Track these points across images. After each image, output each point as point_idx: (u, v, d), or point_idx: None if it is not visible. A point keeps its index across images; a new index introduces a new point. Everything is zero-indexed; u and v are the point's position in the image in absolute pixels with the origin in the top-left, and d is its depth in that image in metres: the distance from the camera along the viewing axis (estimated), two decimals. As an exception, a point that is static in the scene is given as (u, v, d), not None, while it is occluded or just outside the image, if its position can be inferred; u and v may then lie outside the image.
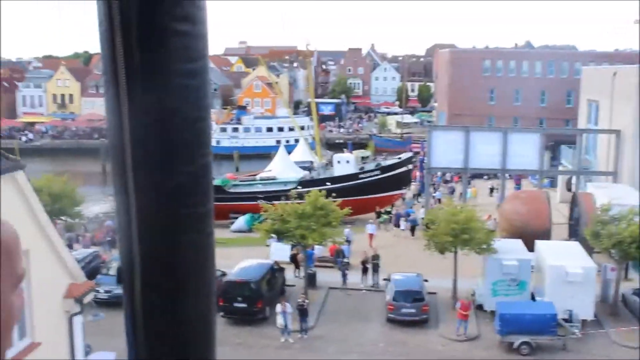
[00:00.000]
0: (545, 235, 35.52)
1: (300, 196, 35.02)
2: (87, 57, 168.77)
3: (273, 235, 32.51)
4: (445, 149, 46.59)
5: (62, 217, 39.15)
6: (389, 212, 48.76)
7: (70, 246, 40.70)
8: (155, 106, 1.29)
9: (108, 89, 1.31)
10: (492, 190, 60.54)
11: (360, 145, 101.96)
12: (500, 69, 78.39)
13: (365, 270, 34.71)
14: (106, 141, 1.42)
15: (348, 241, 40.85)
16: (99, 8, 1.30)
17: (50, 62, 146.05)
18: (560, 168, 55.33)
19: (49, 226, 16.25)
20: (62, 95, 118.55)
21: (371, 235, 41.08)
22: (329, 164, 68.34)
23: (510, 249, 30.91)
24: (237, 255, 39.16)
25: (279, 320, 28.12)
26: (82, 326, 17.72)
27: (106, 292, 31.71)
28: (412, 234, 45.50)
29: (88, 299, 17.60)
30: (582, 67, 60.32)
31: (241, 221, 50.35)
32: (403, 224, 46.98)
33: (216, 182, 55.95)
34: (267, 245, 39.74)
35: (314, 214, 30.76)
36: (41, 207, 15.92)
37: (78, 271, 17.35)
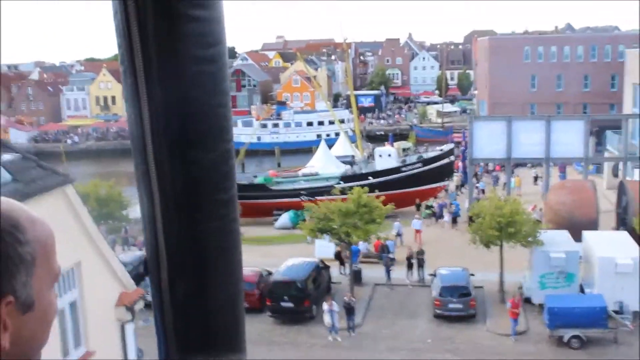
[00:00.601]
0: (593, 225, 35.00)
1: (343, 192, 35.19)
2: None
3: (317, 234, 32.52)
4: (488, 140, 46.12)
5: (109, 221, 39.80)
6: (431, 207, 48.41)
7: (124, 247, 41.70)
8: (174, 94, 1.30)
9: (126, 79, 1.32)
10: (536, 178, 59.82)
11: (401, 136, 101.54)
12: (540, 55, 77.20)
13: (410, 266, 34.69)
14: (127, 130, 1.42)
15: (399, 234, 41.10)
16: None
17: (92, 64, 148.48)
18: (605, 154, 54.39)
19: (99, 237, 16.58)
20: (105, 97, 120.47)
21: (418, 231, 40.88)
22: (371, 157, 68.28)
23: (557, 241, 30.51)
24: (282, 254, 39.43)
25: (326, 318, 28.25)
26: (134, 333, 18.06)
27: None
28: (453, 225, 45.46)
29: (139, 306, 17.92)
30: (625, 50, 59.07)
31: (285, 218, 50.61)
32: (447, 215, 46.81)
33: (259, 179, 56.41)
34: (308, 243, 40.22)
35: (357, 211, 30.79)
36: (91, 219, 16.25)
37: (128, 279, 17.68)
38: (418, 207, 49.54)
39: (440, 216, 47.40)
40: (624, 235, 31.46)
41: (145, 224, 1.36)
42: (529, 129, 46.23)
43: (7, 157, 13.40)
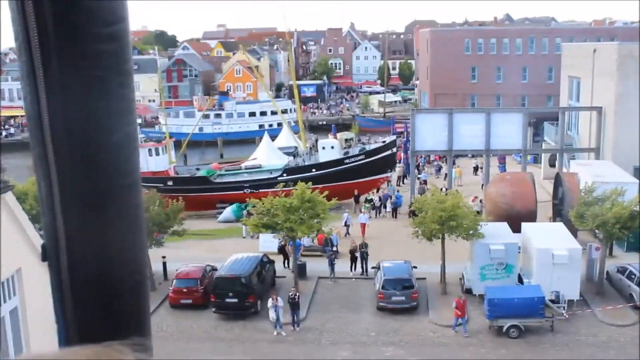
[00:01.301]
0: (531, 216, 35.96)
1: (286, 185, 35.18)
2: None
3: (262, 230, 32.53)
4: (429, 132, 46.86)
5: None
6: (370, 200, 48.75)
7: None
8: (72, 74, 1.23)
9: (21, 56, 1.26)
10: (476, 168, 60.97)
11: (344, 126, 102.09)
12: (481, 47, 78.52)
13: (353, 259, 35.05)
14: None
15: (347, 225, 41.62)
16: (12, 11, 1.23)
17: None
18: (543, 145, 55.77)
19: (40, 242, 16.33)
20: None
21: (364, 225, 41.28)
22: (314, 147, 68.49)
23: (497, 233, 31.25)
24: (227, 248, 39.40)
25: (271, 314, 28.39)
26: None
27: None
28: (396, 217, 46.15)
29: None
30: (562, 44, 60.55)
31: (228, 211, 50.51)
32: (389, 206, 47.60)
33: (201, 172, 56.11)
34: (244, 237, 41.67)
35: (301, 206, 30.95)
36: (31, 225, 15.99)
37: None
38: (357, 199, 49.98)
39: (382, 208, 48.07)
40: (560, 226, 32.44)
41: (44, 208, 1.29)
42: (469, 121, 47.13)
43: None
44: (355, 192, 50.23)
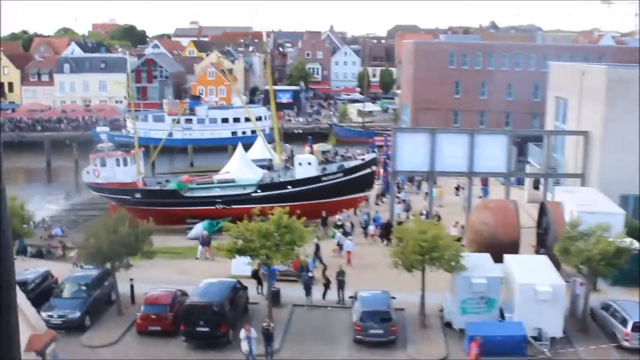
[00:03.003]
0: (514, 246, 36.52)
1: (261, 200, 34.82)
2: (27, 39, 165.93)
3: (235, 255, 32.67)
4: (411, 151, 47.34)
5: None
6: (341, 226, 48.17)
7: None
8: None
9: None
10: (457, 188, 61.67)
11: (320, 135, 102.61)
12: (466, 62, 79.40)
13: (327, 287, 35.33)
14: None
15: (340, 245, 42.35)
16: None
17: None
18: (527, 167, 56.54)
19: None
20: (1, 84, 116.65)
21: (349, 253, 41.56)
22: (289, 160, 68.85)
23: (479, 265, 31.63)
24: (197, 270, 39.60)
25: (244, 346, 28.47)
26: (44, 377, 18.00)
27: (60, 316, 31.67)
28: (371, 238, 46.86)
29: (50, 349, 17.87)
30: (550, 63, 61.36)
31: (198, 228, 50.46)
32: (372, 228, 47.91)
33: (171, 185, 56.10)
34: (197, 258, 43.19)
35: (277, 232, 31.15)
36: None
37: (39, 322, 17.62)
38: (324, 221, 49.93)
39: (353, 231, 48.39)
40: (544, 260, 32.97)
41: None
42: (452, 142, 47.66)
43: None
44: (323, 214, 50.29)
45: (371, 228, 47.99)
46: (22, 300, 17.13)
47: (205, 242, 43.88)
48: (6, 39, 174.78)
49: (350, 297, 33.58)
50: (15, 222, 36.51)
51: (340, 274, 35.29)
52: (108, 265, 32.97)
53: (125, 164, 56.34)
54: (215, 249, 34.44)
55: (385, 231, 46.35)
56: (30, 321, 17.34)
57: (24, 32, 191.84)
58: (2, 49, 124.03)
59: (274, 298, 33.78)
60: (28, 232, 41.68)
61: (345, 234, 46.15)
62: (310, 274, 36.68)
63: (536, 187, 55.75)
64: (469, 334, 28.26)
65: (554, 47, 78.07)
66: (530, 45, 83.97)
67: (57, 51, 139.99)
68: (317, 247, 41.31)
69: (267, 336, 29.06)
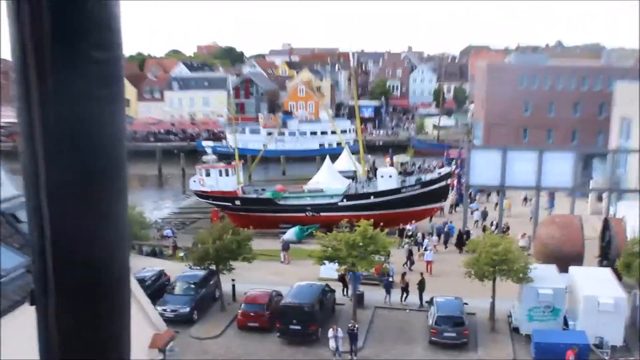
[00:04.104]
0: (578, 259, 36.04)
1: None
2: (142, 60, 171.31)
3: (325, 262, 33.41)
4: (484, 167, 47.19)
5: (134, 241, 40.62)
6: (412, 236, 48.10)
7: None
8: (66, 89, 1.25)
9: (17, 68, 1.27)
10: (525, 200, 60.87)
11: (399, 147, 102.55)
12: (535, 82, 78.12)
13: (405, 290, 35.62)
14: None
15: (410, 257, 41.63)
16: (10, 29, 1.26)
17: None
18: (591, 182, 55.39)
19: (136, 287, 17.53)
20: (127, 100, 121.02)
21: (429, 262, 41.26)
22: (371, 170, 69.34)
23: (546, 276, 31.45)
24: (291, 273, 40.45)
25: (332, 343, 29.18)
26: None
27: (172, 311, 33.09)
28: (445, 247, 46.69)
29: (169, 345, 18.87)
30: (616, 83, 59.92)
31: (290, 233, 51.56)
32: (435, 239, 47.74)
33: (267, 194, 57.36)
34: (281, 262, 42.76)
35: (363, 243, 31.74)
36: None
37: (160, 322, 18.66)
38: (401, 232, 49.66)
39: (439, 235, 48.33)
40: (607, 273, 32.45)
41: (31, 227, 1.30)
42: (522, 159, 47.25)
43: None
44: (401, 226, 50.20)
45: (434, 238, 47.73)
46: (146, 302, 18.14)
47: (285, 247, 44.81)
48: (125, 60, 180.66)
49: (427, 302, 33.87)
50: (135, 229, 38.22)
51: (421, 282, 35.45)
52: (213, 267, 34.22)
53: (227, 174, 57.85)
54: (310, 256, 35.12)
55: (459, 240, 46.46)
56: (152, 321, 18.37)
57: (139, 53, 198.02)
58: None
59: (358, 300, 34.33)
60: (147, 236, 43.34)
61: (417, 243, 45.95)
62: (390, 279, 37.08)
63: (599, 199, 54.59)
64: (535, 341, 28.16)
65: (619, 69, 75.90)
66: (595, 67, 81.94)
67: (166, 70, 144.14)
68: (410, 252, 41.76)
69: (352, 336, 29.65)
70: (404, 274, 37.58)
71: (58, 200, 1.24)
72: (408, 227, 50.26)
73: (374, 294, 36.30)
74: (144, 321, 18.00)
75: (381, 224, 33.40)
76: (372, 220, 33.50)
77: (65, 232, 1.26)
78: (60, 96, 1.24)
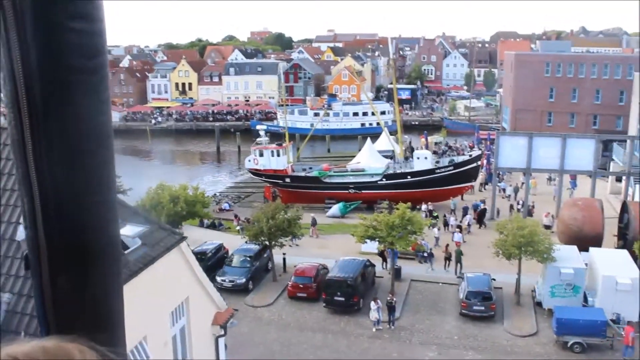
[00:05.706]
0: (598, 239, 35.34)
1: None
2: (202, 47, 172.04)
3: (367, 240, 33.48)
4: (511, 152, 46.44)
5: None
6: (436, 217, 46.96)
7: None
8: (54, 103, 1.20)
9: (5, 86, 1.22)
10: (549, 178, 59.75)
11: (433, 127, 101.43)
12: (559, 70, 76.06)
13: (448, 260, 36.05)
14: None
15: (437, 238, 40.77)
16: None
17: (172, 53, 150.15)
18: (611, 164, 53.98)
19: (202, 275, 17.71)
20: (183, 84, 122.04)
21: (457, 243, 39.80)
22: (407, 150, 68.77)
23: (567, 257, 30.94)
24: (335, 246, 40.59)
25: (373, 314, 29.33)
26: (224, 344, 19.37)
27: (230, 281, 33.61)
28: (479, 225, 46.03)
29: (229, 322, 19.15)
30: (635, 73, 57.97)
31: (335, 208, 51.67)
32: (469, 216, 47.01)
33: (314, 172, 57.38)
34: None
35: (401, 224, 31.62)
36: (197, 262, 17.43)
37: (221, 302, 18.92)
38: (430, 212, 48.38)
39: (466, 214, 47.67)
40: (624, 254, 31.71)
41: (26, 222, 1.26)
42: (546, 144, 46.32)
43: (137, 228, 14.37)
44: (430, 206, 48.78)
45: (468, 217, 46.71)
46: (208, 284, 18.38)
47: (313, 223, 44.17)
48: (187, 46, 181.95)
49: (458, 277, 33.72)
50: (198, 207, 38.68)
51: (458, 253, 35.57)
52: (267, 242, 34.53)
53: (278, 154, 57.96)
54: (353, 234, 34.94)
55: (480, 217, 46.05)
56: (215, 301, 18.65)
57: (199, 40, 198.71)
58: (184, 56, 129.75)
59: (396, 274, 34.35)
60: (208, 214, 43.77)
61: (446, 224, 45.07)
62: (426, 253, 37.13)
63: (618, 180, 53.18)
64: (556, 316, 27.81)
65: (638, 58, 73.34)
66: (616, 57, 79.31)
67: (224, 56, 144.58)
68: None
69: (390, 308, 29.77)
70: (447, 245, 37.36)
71: (45, 167, 1.22)
72: (425, 206, 48.72)
73: (410, 268, 36.29)
74: (207, 303, 18.28)
75: (417, 206, 33.06)
76: (409, 203, 33.31)
77: (54, 197, 1.23)
78: (47, 106, 1.21)
